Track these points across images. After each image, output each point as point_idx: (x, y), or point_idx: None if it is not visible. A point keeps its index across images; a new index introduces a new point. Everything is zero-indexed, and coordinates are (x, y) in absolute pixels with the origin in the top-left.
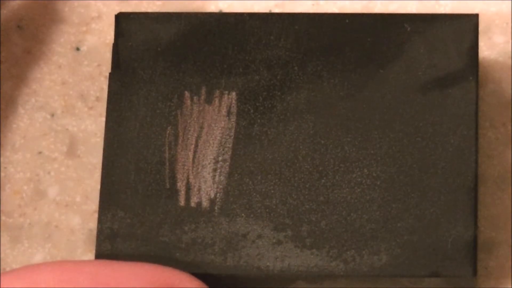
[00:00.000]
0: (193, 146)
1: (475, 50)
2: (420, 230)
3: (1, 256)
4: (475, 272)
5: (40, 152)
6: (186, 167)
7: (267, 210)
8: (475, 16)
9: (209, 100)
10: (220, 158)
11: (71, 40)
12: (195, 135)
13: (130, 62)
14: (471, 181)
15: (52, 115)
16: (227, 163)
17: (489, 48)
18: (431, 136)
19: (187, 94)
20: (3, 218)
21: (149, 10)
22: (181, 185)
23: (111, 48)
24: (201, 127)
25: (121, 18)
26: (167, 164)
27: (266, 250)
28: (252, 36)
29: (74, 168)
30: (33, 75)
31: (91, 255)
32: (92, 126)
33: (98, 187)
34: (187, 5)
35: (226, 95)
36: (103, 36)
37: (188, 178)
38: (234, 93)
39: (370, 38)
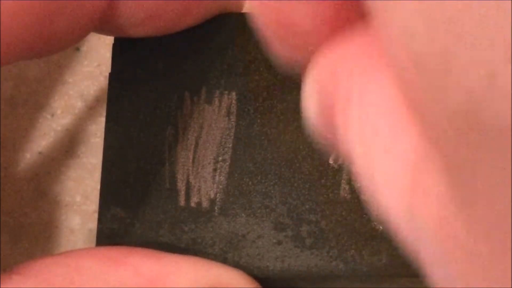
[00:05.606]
0: (193, 146)
1: None
2: None
3: (1, 256)
4: None
5: (40, 152)
6: (186, 167)
7: (267, 210)
8: None
9: (209, 100)
10: (220, 158)
11: None
12: (195, 135)
13: (130, 62)
14: None
15: (52, 115)
16: (227, 163)
17: None
18: None
19: (187, 94)
20: (3, 218)
21: None
22: (181, 185)
23: (111, 48)
24: (201, 127)
25: None
26: (167, 164)
27: (266, 250)
28: (252, 36)
29: (74, 168)
30: (33, 75)
31: None
32: (92, 126)
33: (98, 187)
34: None
35: (226, 95)
36: (103, 36)
37: (188, 178)
38: (234, 93)
39: None
